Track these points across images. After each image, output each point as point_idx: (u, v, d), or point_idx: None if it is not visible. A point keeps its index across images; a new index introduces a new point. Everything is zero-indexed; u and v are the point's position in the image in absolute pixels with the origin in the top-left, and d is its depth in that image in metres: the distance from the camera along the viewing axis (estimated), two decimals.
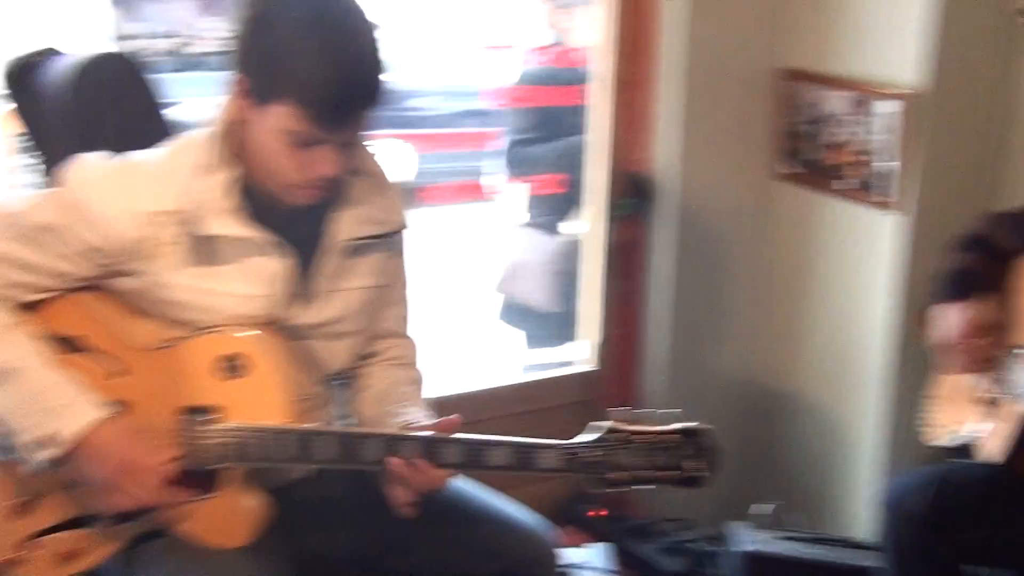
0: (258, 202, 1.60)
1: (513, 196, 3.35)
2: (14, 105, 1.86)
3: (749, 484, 2.89)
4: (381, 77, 1.53)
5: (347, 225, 1.67)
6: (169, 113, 1.92)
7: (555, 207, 3.37)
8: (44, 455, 1.52)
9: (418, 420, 1.66)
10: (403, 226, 1.76)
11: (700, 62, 2.70)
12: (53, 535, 1.63)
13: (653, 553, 2.69)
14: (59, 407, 1.52)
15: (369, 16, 1.54)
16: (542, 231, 3.43)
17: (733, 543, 2.54)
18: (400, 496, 1.60)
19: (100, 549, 1.64)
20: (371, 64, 1.51)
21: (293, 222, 1.63)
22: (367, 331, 1.79)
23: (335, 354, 1.73)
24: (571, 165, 3.17)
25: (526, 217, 3.47)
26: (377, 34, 1.54)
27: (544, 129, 3.26)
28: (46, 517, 1.63)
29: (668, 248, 2.83)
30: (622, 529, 2.77)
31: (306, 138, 1.51)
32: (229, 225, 1.57)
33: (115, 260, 1.57)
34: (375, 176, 1.72)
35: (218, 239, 1.57)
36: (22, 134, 1.94)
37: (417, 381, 1.85)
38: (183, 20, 2.29)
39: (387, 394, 1.77)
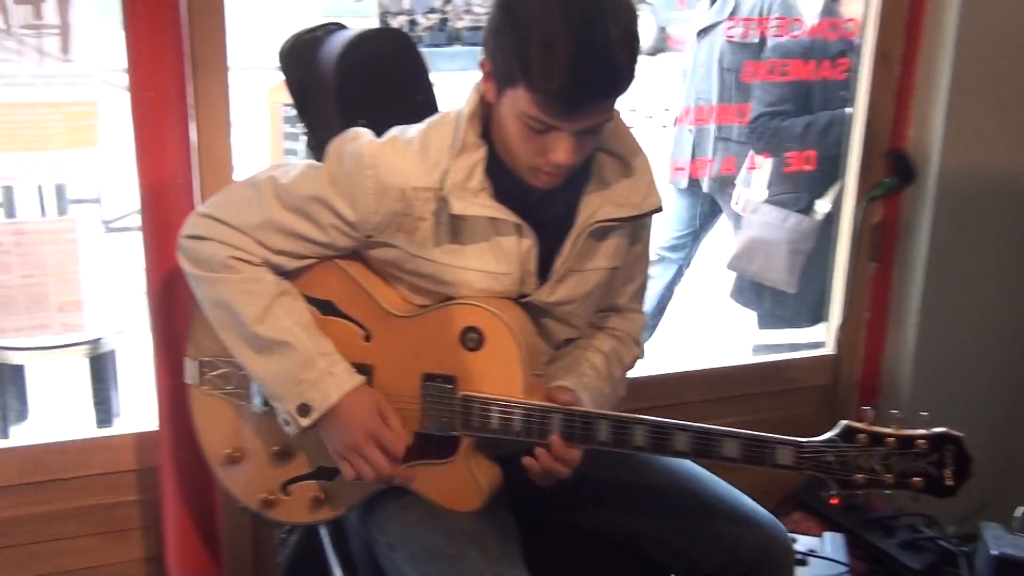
0: (505, 181, 1.62)
1: (756, 172, 3.27)
2: (283, 77, 1.97)
3: (1003, 483, 2.73)
4: (623, 67, 1.48)
5: (596, 208, 1.67)
6: (433, 87, 1.98)
7: (801, 184, 3.27)
8: (302, 422, 1.62)
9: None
10: (653, 209, 1.72)
11: (968, 36, 2.57)
12: (303, 482, 1.76)
13: (893, 548, 2.59)
14: (317, 379, 1.61)
15: None
16: (784, 208, 3.34)
17: (984, 545, 2.43)
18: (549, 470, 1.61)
19: (344, 499, 1.75)
20: (613, 53, 1.46)
21: (542, 202, 1.65)
22: (599, 306, 1.80)
23: (565, 330, 1.75)
24: (821, 141, 3.07)
25: (765, 194, 3.38)
26: (631, 18, 1.49)
27: (795, 103, 3.16)
28: (299, 466, 1.76)
29: (922, 230, 2.71)
30: (859, 520, 2.68)
31: (539, 125, 1.51)
32: (476, 204, 1.60)
33: (371, 234, 1.63)
34: (627, 157, 1.69)
35: (465, 218, 1.61)
36: (289, 104, 2.08)
37: (627, 359, 1.84)
38: None
39: (580, 362, 1.75)
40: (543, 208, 1.65)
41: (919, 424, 1.51)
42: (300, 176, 1.66)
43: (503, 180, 1.62)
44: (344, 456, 1.63)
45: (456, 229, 1.63)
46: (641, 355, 1.88)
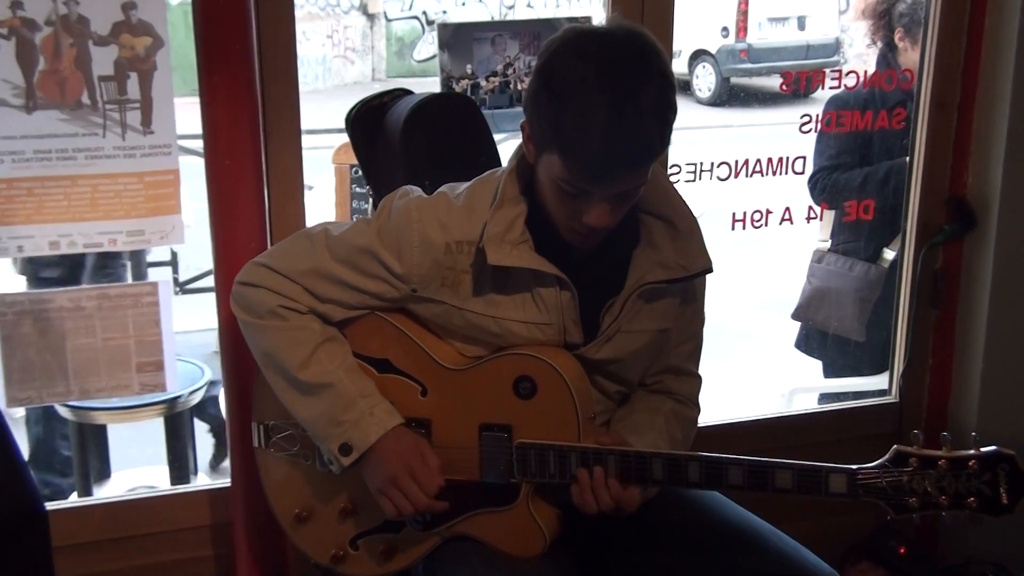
0: (549, 237, 1.66)
1: (818, 222, 3.28)
2: (351, 140, 2.05)
3: None
4: (654, 137, 1.51)
5: (646, 270, 1.69)
6: (496, 147, 2.05)
7: (863, 233, 3.28)
8: (344, 461, 1.67)
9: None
10: (703, 270, 1.72)
11: None
12: (370, 536, 1.81)
13: None
14: (358, 419, 1.66)
15: (664, 66, 1.52)
16: (847, 257, 3.34)
17: None
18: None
19: (411, 552, 1.79)
20: (645, 123, 1.49)
21: (590, 262, 1.69)
22: (651, 367, 1.81)
23: (615, 386, 1.78)
24: (881, 191, 3.08)
25: (829, 243, 3.39)
26: (666, 85, 1.51)
27: (854, 155, 3.18)
28: (366, 521, 1.80)
29: (983, 276, 2.70)
30: (925, 569, 2.65)
31: (572, 189, 1.54)
32: (513, 256, 1.62)
33: (416, 287, 1.68)
34: (674, 219, 1.70)
35: (508, 270, 1.64)
36: (355, 166, 2.15)
37: (687, 420, 1.84)
38: (504, 59, 2.44)
39: (649, 424, 1.76)
40: (591, 267, 1.69)
41: (970, 445, 1.50)
42: (351, 229, 1.72)
43: (547, 235, 1.66)
44: (383, 491, 1.68)
45: (499, 282, 1.67)
46: (698, 414, 1.89)
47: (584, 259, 1.69)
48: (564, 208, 1.59)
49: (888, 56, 3.18)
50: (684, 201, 1.74)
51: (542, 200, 1.64)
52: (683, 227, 1.71)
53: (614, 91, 1.47)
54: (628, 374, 1.77)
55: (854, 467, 1.54)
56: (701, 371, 1.91)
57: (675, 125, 1.55)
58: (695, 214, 1.74)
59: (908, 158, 2.82)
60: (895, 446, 1.53)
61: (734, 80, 9.87)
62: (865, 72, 3.05)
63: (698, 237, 1.73)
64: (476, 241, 1.64)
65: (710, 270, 1.73)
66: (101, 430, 3.21)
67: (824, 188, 3.20)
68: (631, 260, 1.70)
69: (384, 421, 1.68)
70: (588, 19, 2.47)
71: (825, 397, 3.43)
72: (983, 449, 1.50)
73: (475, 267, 1.66)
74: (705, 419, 1.89)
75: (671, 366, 1.84)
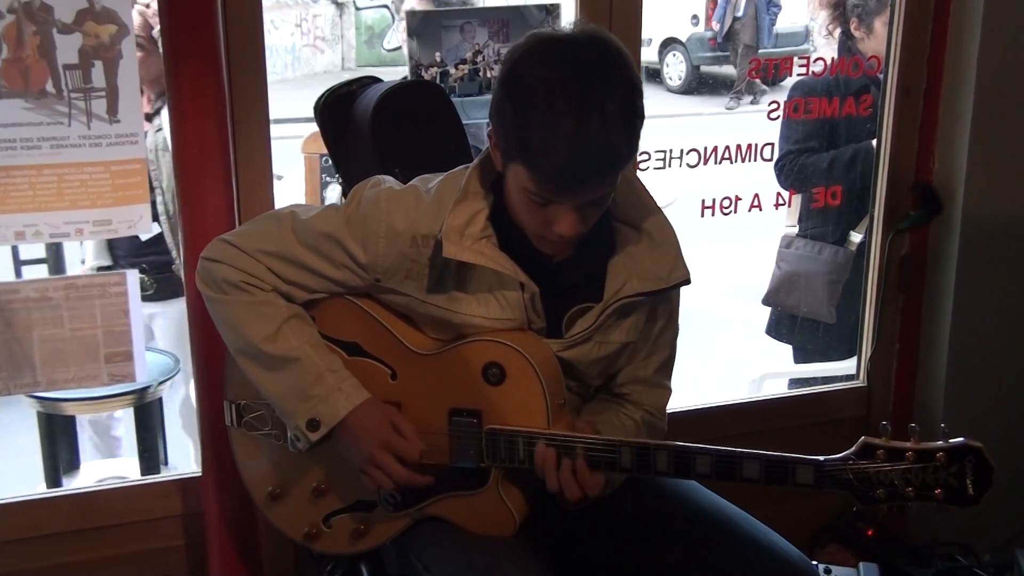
0: (515, 235, 1.65)
1: (787, 208, 3.30)
2: (320, 129, 2.04)
3: None
4: (620, 145, 1.49)
5: (623, 282, 1.67)
6: (466, 135, 2.04)
7: (830, 218, 3.30)
8: (311, 437, 1.67)
9: None
10: (679, 282, 1.71)
11: (989, 69, 2.60)
12: (343, 515, 1.82)
13: None
14: (326, 394, 1.66)
15: (629, 72, 1.51)
16: (816, 242, 3.37)
17: (1020, 572, 2.42)
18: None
19: (382, 530, 1.80)
20: (610, 133, 1.47)
21: (563, 269, 1.68)
22: (608, 372, 1.80)
23: (574, 383, 1.77)
24: (848, 175, 3.10)
25: (797, 229, 3.42)
26: (630, 92, 1.50)
27: (821, 140, 3.21)
28: (339, 500, 1.81)
29: (949, 261, 2.73)
30: (893, 551, 2.68)
31: (540, 199, 1.53)
32: (471, 251, 1.61)
33: (380, 277, 1.68)
34: (649, 229, 1.69)
35: (473, 266, 1.64)
36: (325, 155, 2.14)
37: (658, 432, 1.82)
38: (474, 46, 2.44)
39: (620, 425, 1.76)
40: (564, 275, 1.69)
41: (938, 437, 1.51)
42: (320, 214, 1.72)
43: (514, 234, 1.65)
44: (363, 469, 1.68)
45: (461, 278, 1.67)
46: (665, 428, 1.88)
47: (556, 265, 1.69)
48: (533, 218, 1.58)
49: (849, 45, 3.21)
50: (661, 210, 1.73)
51: (510, 207, 1.63)
52: (660, 237, 1.70)
53: (579, 99, 1.46)
54: (586, 376, 1.77)
55: (821, 458, 1.54)
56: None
57: (646, 116, 1.54)
58: (666, 200, 1.74)
59: (875, 143, 2.84)
60: (863, 438, 1.53)
61: (704, 68, 9.91)
62: (832, 59, 3.07)
63: (676, 248, 1.71)
64: (437, 234, 1.63)
65: (688, 282, 1.72)
66: (70, 421, 3.19)
67: (791, 172, 3.22)
68: (607, 270, 1.69)
69: (353, 396, 1.68)
70: (557, 7, 2.47)
71: (795, 382, 3.46)
72: (951, 441, 1.50)
73: (438, 261, 1.66)
74: (676, 405, 1.90)
75: (642, 377, 1.81)
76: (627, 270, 1.68)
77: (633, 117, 1.51)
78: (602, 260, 1.70)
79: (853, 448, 1.53)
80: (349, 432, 1.67)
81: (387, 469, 1.66)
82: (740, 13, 6.62)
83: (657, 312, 1.77)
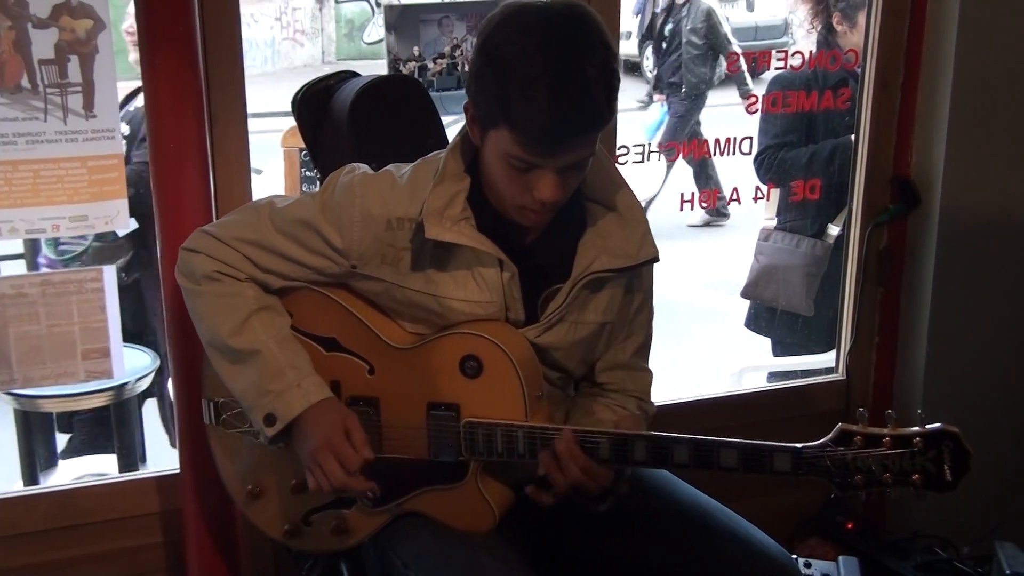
0: (493, 220, 1.66)
1: (765, 201, 3.31)
2: (297, 124, 2.03)
3: (1018, 502, 2.75)
4: (601, 104, 1.52)
5: (592, 258, 1.68)
6: (444, 129, 2.04)
7: (808, 211, 3.32)
8: (268, 432, 1.67)
9: None
10: (650, 259, 1.73)
11: (966, 63, 2.61)
12: (323, 512, 1.81)
13: (908, 571, 2.59)
14: (283, 390, 1.66)
15: (605, 36, 1.53)
16: (794, 235, 3.38)
17: (998, 565, 2.43)
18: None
19: (361, 527, 1.79)
20: (592, 91, 1.50)
21: (535, 248, 1.69)
22: (589, 357, 1.80)
23: (554, 372, 1.77)
24: (827, 169, 3.12)
25: (775, 222, 3.43)
26: (608, 56, 1.52)
27: (799, 134, 3.22)
28: (318, 497, 1.79)
29: (927, 254, 2.75)
30: (873, 544, 2.69)
31: (522, 164, 1.54)
32: (452, 232, 1.62)
33: (356, 264, 1.68)
34: (620, 207, 1.71)
35: (449, 247, 1.64)
36: (303, 149, 2.14)
37: (642, 415, 1.83)
38: (452, 40, 2.43)
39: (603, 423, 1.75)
40: (536, 254, 1.69)
41: (915, 423, 1.51)
42: (296, 202, 1.73)
43: (490, 216, 1.66)
44: (307, 467, 1.67)
45: (439, 260, 1.67)
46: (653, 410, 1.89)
47: (529, 245, 1.69)
48: (514, 185, 1.59)
49: (829, 39, 3.22)
50: (631, 189, 1.74)
51: (488, 184, 1.64)
52: (629, 216, 1.71)
53: (558, 61, 1.48)
54: (567, 363, 1.77)
55: (799, 446, 1.55)
56: (653, 352, 1.91)
57: (623, 106, 1.56)
58: (646, 196, 1.75)
59: (853, 137, 2.85)
60: (840, 424, 1.53)
61: None
62: (811, 52, 3.09)
63: (644, 226, 1.73)
64: (416, 217, 1.64)
65: (656, 259, 1.74)
66: (47, 418, 3.17)
67: (771, 166, 3.24)
68: (577, 248, 1.70)
69: (312, 394, 1.67)
70: None
71: (774, 376, 3.47)
72: (928, 426, 1.50)
73: (415, 244, 1.66)
74: (656, 399, 1.90)
75: (622, 362, 1.83)
76: (596, 248, 1.69)
77: (612, 78, 1.53)
78: (574, 239, 1.71)
79: (830, 435, 1.53)
80: (302, 430, 1.67)
81: (327, 470, 1.64)
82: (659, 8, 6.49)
83: (633, 292, 1.79)
